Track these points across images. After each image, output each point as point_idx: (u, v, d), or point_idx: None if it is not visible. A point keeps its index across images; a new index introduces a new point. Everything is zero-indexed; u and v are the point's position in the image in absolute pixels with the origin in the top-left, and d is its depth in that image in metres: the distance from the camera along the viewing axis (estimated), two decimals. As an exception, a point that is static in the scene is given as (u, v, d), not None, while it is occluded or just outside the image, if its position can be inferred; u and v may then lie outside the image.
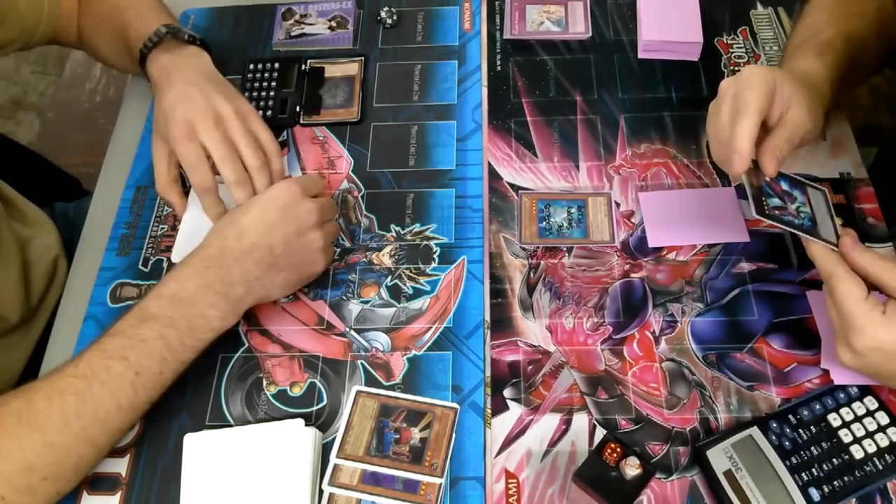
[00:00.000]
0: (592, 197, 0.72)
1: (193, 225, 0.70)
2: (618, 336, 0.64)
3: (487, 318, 0.66)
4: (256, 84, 0.81)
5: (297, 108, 0.80)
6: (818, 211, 0.61)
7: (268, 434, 0.59)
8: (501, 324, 0.66)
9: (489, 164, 0.75)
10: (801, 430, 0.57)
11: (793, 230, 0.58)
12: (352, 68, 0.82)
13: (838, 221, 0.60)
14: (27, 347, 0.78)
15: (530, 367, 0.63)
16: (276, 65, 0.82)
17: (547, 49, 0.83)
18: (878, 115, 1.51)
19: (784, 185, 0.61)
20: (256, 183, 0.68)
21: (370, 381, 0.63)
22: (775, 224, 0.57)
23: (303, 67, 0.82)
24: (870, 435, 0.56)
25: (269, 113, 0.79)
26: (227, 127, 0.67)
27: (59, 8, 0.78)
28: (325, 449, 0.60)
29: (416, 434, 0.58)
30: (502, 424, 0.61)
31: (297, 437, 0.59)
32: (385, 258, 0.70)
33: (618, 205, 0.71)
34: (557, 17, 0.84)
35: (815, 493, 0.54)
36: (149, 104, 0.82)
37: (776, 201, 0.60)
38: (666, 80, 0.79)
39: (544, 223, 0.71)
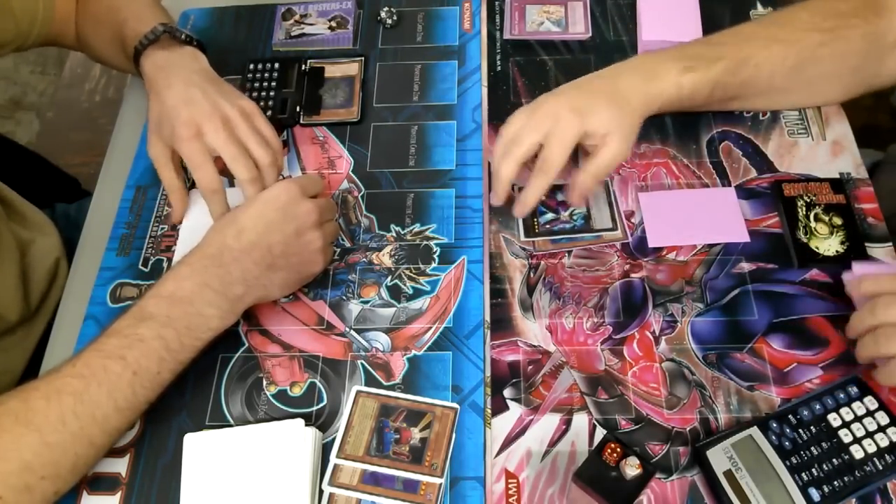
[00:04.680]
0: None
1: (194, 226, 0.70)
2: (618, 336, 0.64)
3: (487, 318, 0.66)
4: (256, 84, 0.81)
5: (297, 108, 0.80)
6: (596, 204, 0.68)
7: (268, 434, 0.59)
8: (501, 324, 0.66)
9: (489, 164, 0.75)
10: (801, 430, 0.57)
11: (564, 236, 0.66)
12: (352, 68, 0.82)
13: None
14: (28, 348, 0.78)
15: (530, 367, 0.63)
16: (276, 65, 0.82)
17: (547, 49, 0.83)
18: (877, 116, 1.51)
19: (559, 196, 0.67)
20: (267, 179, 0.68)
21: (370, 381, 0.63)
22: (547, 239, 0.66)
23: (303, 67, 0.82)
24: (870, 435, 0.56)
25: (269, 113, 0.79)
26: (235, 127, 0.67)
27: (54, 10, 0.77)
28: (325, 449, 0.60)
29: (416, 434, 0.58)
30: (502, 424, 0.61)
31: (297, 437, 0.59)
32: (385, 258, 0.70)
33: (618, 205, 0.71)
34: (557, 17, 0.84)
35: (815, 493, 0.54)
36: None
37: (548, 216, 0.67)
38: (666, 80, 0.79)
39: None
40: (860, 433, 0.56)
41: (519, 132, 0.64)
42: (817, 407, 0.58)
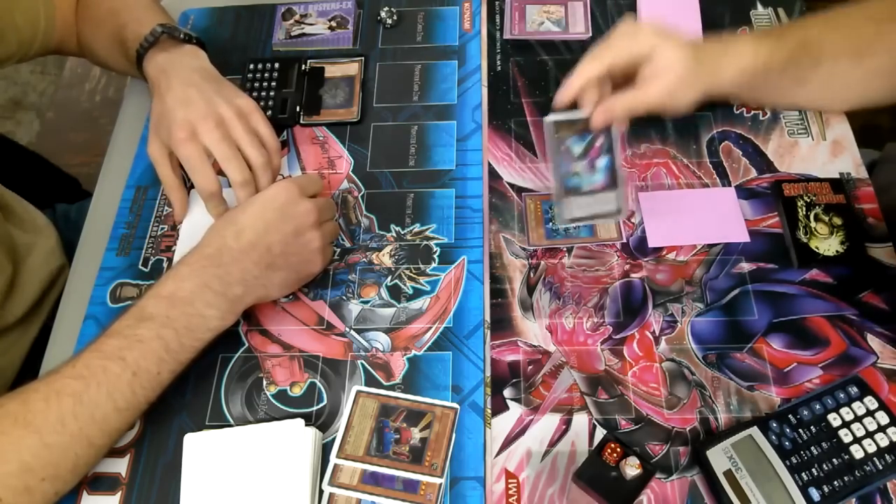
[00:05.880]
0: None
1: (194, 226, 0.70)
2: (618, 336, 0.64)
3: (487, 318, 0.66)
4: (256, 84, 0.81)
5: (297, 108, 0.80)
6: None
7: (268, 434, 0.59)
8: (501, 324, 0.66)
9: (489, 164, 0.75)
10: (801, 430, 0.57)
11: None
12: (352, 68, 0.82)
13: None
14: (23, 348, 0.78)
15: (530, 367, 0.63)
16: (276, 65, 0.82)
17: (547, 49, 0.83)
18: (877, 115, 1.51)
19: (597, 141, 0.65)
20: (260, 181, 0.68)
21: (370, 381, 0.63)
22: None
23: (303, 67, 0.82)
24: (870, 435, 0.56)
25: (269, 113, 0.79)
26: (229, 128, 0.67)
27: (55, 20, 0.77)
28: (325, 449, 0.60)
29: (416, 434, 0.58)
30: (502, 424, 0.61)
31: (297, 437, 0.59)
32: (385, 258, 0.70)
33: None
34: (557, 17, 0.84)
35: (815, 493, 0.54)
36: (149, 104, 0.82)
37: (580, 147, 0.65)
38: (666, 80, 0.79)
39: (551, 223, 0.71)
40: (860, 433, 0.56)
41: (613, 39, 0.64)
42: (817, 407, 0.58)
